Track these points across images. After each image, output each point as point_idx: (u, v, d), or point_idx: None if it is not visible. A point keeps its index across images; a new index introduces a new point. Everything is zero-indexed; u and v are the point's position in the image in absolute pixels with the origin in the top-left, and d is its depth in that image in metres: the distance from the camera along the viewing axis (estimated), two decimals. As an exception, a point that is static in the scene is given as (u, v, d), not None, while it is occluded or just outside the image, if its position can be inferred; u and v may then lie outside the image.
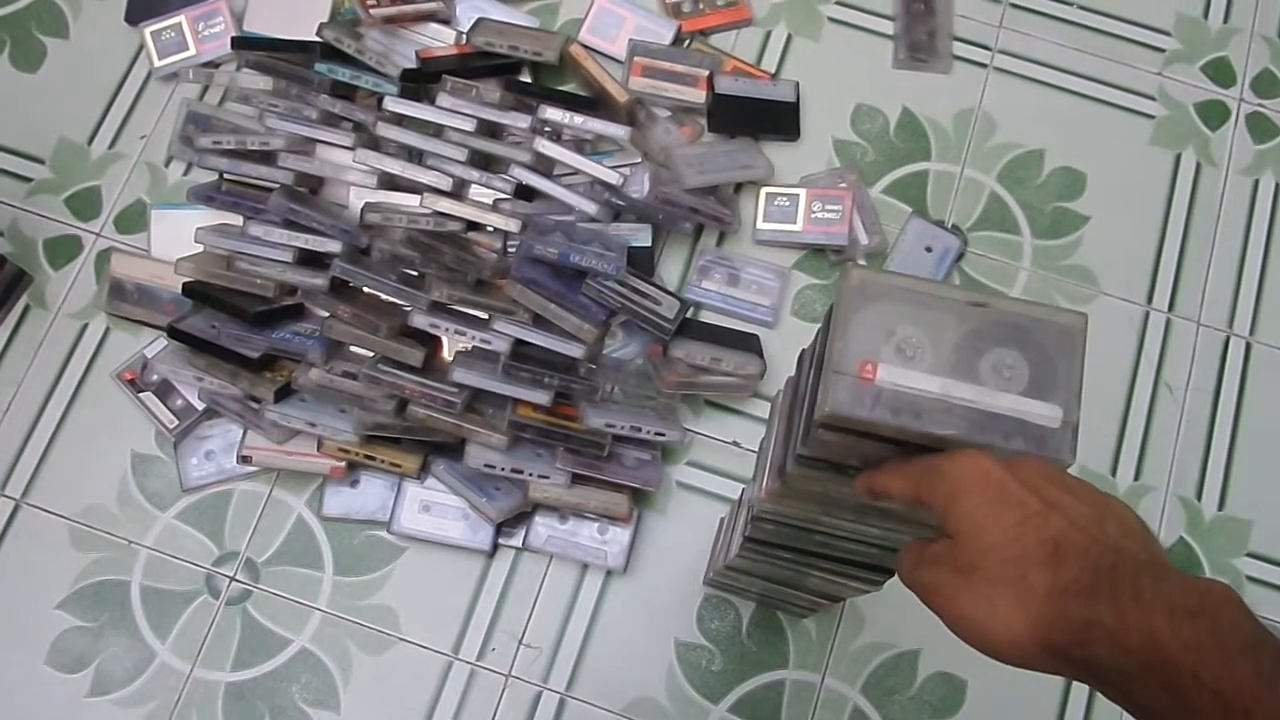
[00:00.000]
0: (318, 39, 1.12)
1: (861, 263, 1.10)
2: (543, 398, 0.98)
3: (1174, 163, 1.21)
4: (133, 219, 1.14)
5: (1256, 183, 1.20)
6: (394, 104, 1.07)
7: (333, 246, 1.02)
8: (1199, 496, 1.09)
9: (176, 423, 1.05)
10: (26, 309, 1.11)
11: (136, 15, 1.20)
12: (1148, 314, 1.15)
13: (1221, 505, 1.09)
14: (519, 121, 1.07)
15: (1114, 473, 1.09)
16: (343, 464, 1.02)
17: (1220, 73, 1.24)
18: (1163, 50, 1.25)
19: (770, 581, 0.88)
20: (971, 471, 0.45)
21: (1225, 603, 0.39)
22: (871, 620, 1.03)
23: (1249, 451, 1.11)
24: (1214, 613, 0.39)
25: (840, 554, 0.70)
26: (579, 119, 1.07)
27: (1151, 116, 1.22)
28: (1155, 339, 1.14)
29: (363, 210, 1.06)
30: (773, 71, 1.21)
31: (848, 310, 0.48)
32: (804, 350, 0.62)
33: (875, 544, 0.66)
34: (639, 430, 1.00)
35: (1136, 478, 1.09)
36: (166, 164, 1.16)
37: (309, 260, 1.03)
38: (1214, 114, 1.23)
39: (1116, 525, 0.44)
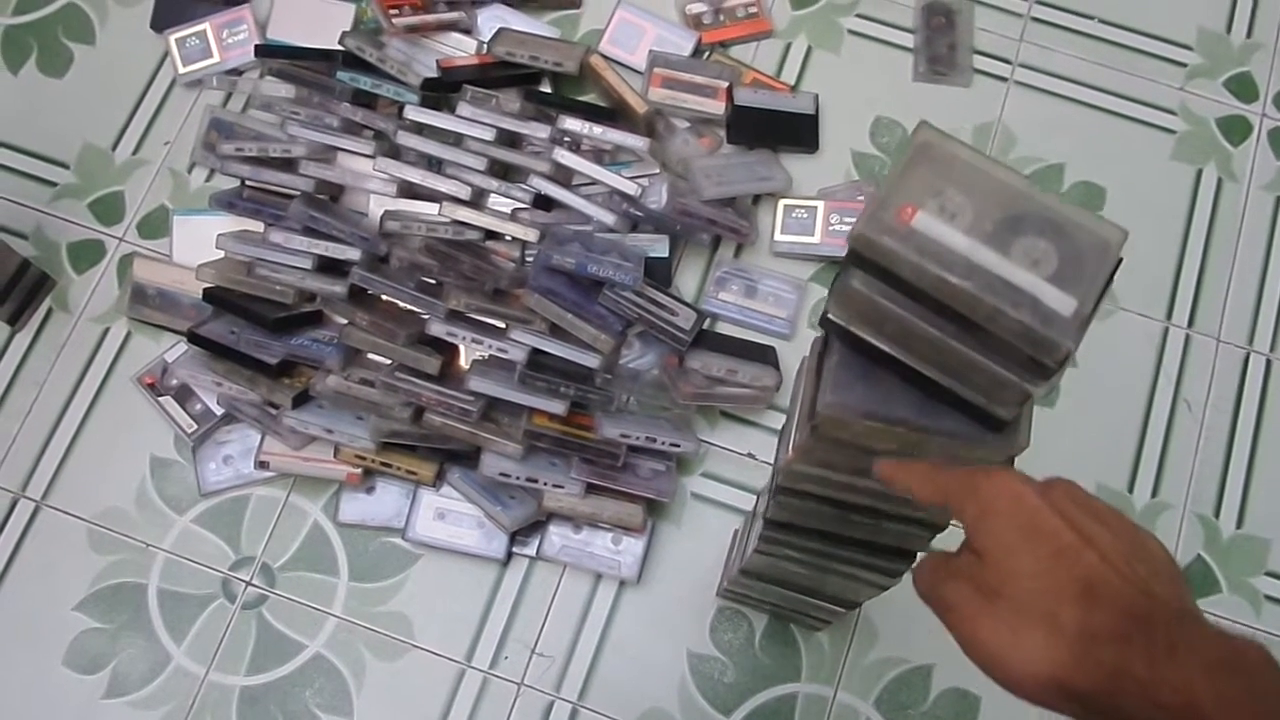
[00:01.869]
0: (340, 47, 1.13)
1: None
2: (558, 407, 0.99)
3: (1195, 178, 1.20)
4: (155, 224, 1.15)
5: (1278, 198, 1.20)
6: (414, 113, 1.08)
7: (352, 254, 1.03)
8: (1217, 514, 1.08)
9: (195, 427, 1.05)
10: (49, 312, 1.12)
11: (162, 22, 1.21)
12: (1167, 330, 1.14)
13: (1240, 523, 1.08)
14: (538, 131, 1.08)
15: (1131, 489, 1.09)
16: (359, 471, 1.02)
17: (1242, 88, 1.24)
18: (1185, 65, 1.25)
19: (785, 587, 0.88)
20: (1005, 492, 0.45)
21: (1261, 662, 0.39)
22: (885, 634, 1.03)
23: (1268, 469, 1.10)
24: (1251, 671, 0.38)
25: (862, 535, 0.70)
26: (598, 129, 1.07)
27: (1173, 131, 1.22)
28: (1174, 355, 1.13)
29: (382, 218, 1.07)
30: (792, 84, 1.22)
31: (906, 162, 0.50)
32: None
33: (900, 517, 0.66)
34: (654, 441, 1.00)
35: (1154, 494, 1.09)
36: (189, 170, 1.17)
37: (328, 267, 1.04)
38: (1236, 129, 1.22)
39: (1148, 565, 0.43)
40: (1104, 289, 0.48)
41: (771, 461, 1.06)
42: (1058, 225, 0.48)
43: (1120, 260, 0.48)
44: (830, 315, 0.55)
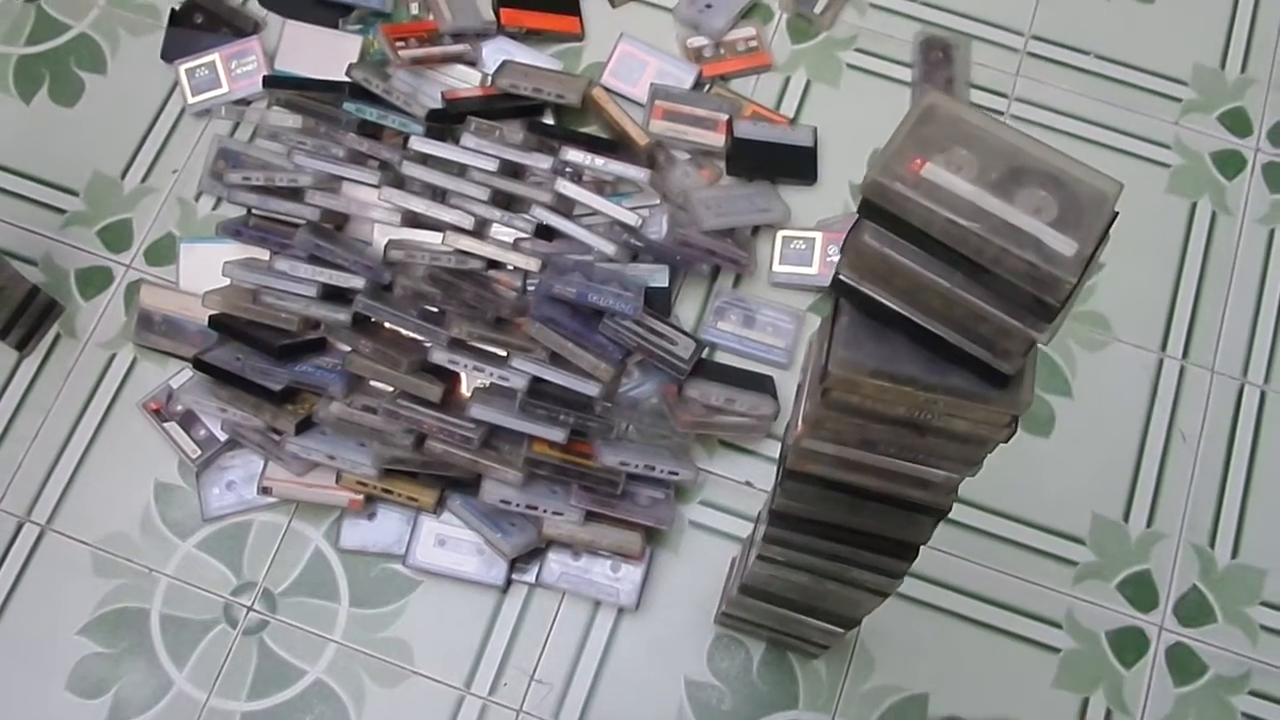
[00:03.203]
0: (347, 79, 1.15)
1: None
2: (558, 435, 1.00)
3: (1189, 211, 1.21)
4: (163, 252, 1.16)
5: (1272, 232, 1.21)
6: (419, 143, 1.10)
7: (356, 282, 1.04)
8: (1212, 544, 1.09)
9: (199, 453, 1.06)
10: (57, 338, 1.13)
11: (172, 53, 1.23)
12: (1161, 361, 1.15)
13: (1235, 553, 1.09)
14: (541, 162, 1.09)
15: (1126, 519, 1.09)
16: (361, 497, 1.03)
17: (1237, 123, 1.25)
18: (1179, 100, 1.26)
19: (784, 606, 0.88)
20: None
21: None
22: (881, 662, 1.04)
23: (1263, 499, 1.11)
24: None
25: (867, 526, 0.70)
26: (599, 161, 1.09)
27: (1167, 165, 1.23)
28: (1169, 386, 1.14)
29: (386, 247, 1.08)
30: (791, 117, 1.23)
31: (913, 122, 0.52)
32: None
33: (906, 503, 0.67)
34: (653, 469, 1.01)
35: (1149, 524, 1.09)
36: (197, 198, 1.19)
37: (333, 295, 1.05)
38: (1230, 163, 1.24)
39: None
40: (1102, 237, 0.51)
41: (769, 490, 1.06)
42: (1057, 178, 0.51)
43: (1116, 214, 0.51)
44: (841, 276, 0.57)
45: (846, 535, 0.72)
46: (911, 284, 0.54)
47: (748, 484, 1.09)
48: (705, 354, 1.11)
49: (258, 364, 1.02)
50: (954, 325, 0.55)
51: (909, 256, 0.53)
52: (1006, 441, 0.58)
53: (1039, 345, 0.54)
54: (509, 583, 1.05)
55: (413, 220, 1.10)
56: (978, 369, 0.55)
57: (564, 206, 1.09)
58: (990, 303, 0.52)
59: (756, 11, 1.28)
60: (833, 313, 0.61)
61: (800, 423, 0.64)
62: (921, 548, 0.72)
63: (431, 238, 1.09)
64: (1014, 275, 0.50)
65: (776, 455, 1.09)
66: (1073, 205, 0.51)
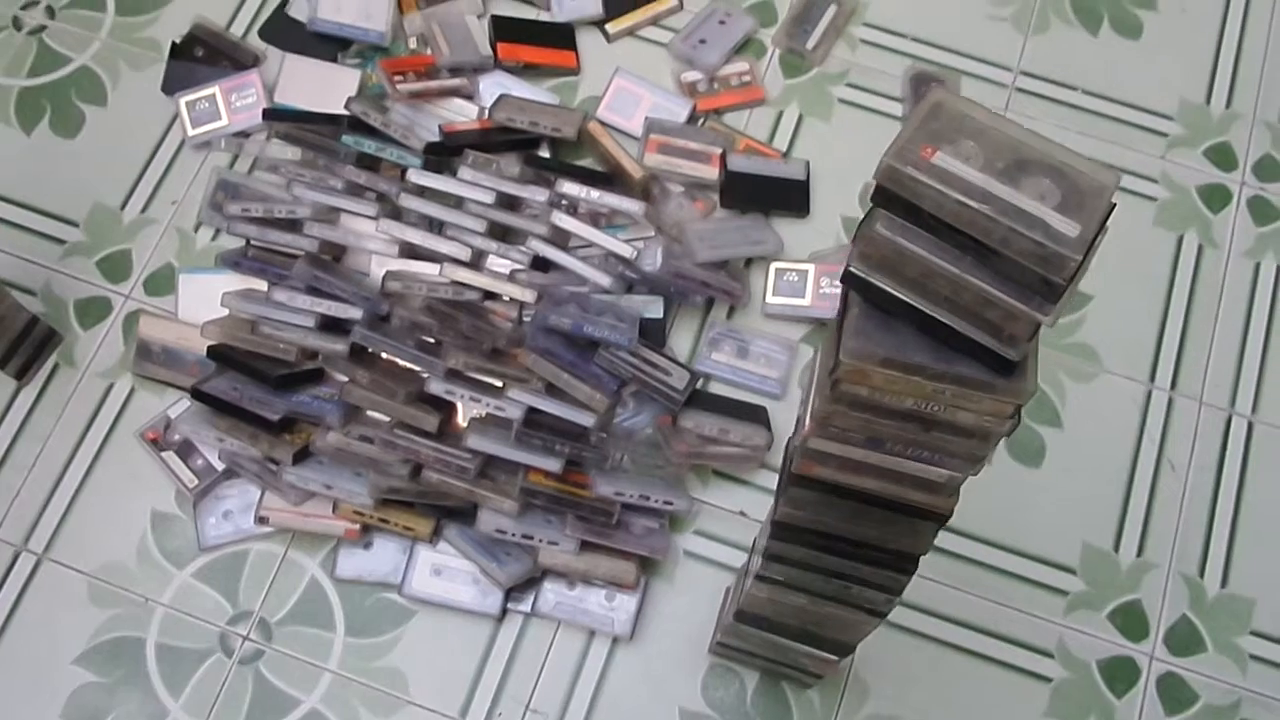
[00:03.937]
0: (345, 112, 1.16)
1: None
2: (554, 465, 1.00)
3: (1176, 244, 1.23)
4: (162, 282, 1.17)
5: (1258, 265, 1.23)
6: (417, 176, 1.11)
7: (354, 313, 1.05)
8: (1201, 574, 1.10)
9: (196, 482, 1.07)
10: (55, 367, 1.14)
11: (172, 85, 1.24)
12: (1150, 392, 1.17)
13: (1224, 583, 1.10)
14: (537, 195, 1.11)
15: (1117, 549, 1.10)
16: (357, 526, 1.04)
17: (1222, 157, 1.27)
18: (1166, 134, 1.28)
19: (779, 633, 0.88)
20: None
21: None
22: (875, 692, 1.04)
23: (1252, 529, 1.12)
24: None
25: (870, 536, 0.71)
26: (595, 193, 1.10)
27: (1154, 199, 1.25)
28: (1158, 417, 1.16)
29: (384, 278, 1.09)
30: (784, 150, 1.25)
31: (921, 117, 0.55)
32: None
33: (909, 508, 0.68)
34: (648, 499, 1.02)
35: (1139, 554, 1.10)
36: (196, 229, 1.20)
37: (330, 326, 1.06)
38: (1216, 197, 1.25)
39: None
40: (1103, 223, 0.53)
41: (762, 519, 1.07)
42: (1059, 169, 0.55)
43: (1115, 204, 0.54)
44: (852, 268, 0.59)
45: (847, 547, 0.73)
46: (921, 272, 0.57)
47: (741, 514, 1.10)
48: (699, 385, 1.12)
49: (255, 394, 1.03)
50: (961, 313, 0.57)
51: (919, 244, 0.56)
52: (1009, 435, 0.60)
53: (1041, 337, 0.56)
54: (504, 612, 1.05)
55: (410, 252, 1.11)
56: (984, 358, 0.57)
57: (560, 239, 1.11)
58: (997, 286, 0.55)
59: (750, 47, 1.30)
60: (842, 307, 0.63)
61: (807, 422, 0.66)
62: (915, 577, 0.72)
63: (428, 269, 1.10)
64: (1021, 255, 0.53)
65: (770, 486, 1.10)
66: (1074, 193, 0.54)
